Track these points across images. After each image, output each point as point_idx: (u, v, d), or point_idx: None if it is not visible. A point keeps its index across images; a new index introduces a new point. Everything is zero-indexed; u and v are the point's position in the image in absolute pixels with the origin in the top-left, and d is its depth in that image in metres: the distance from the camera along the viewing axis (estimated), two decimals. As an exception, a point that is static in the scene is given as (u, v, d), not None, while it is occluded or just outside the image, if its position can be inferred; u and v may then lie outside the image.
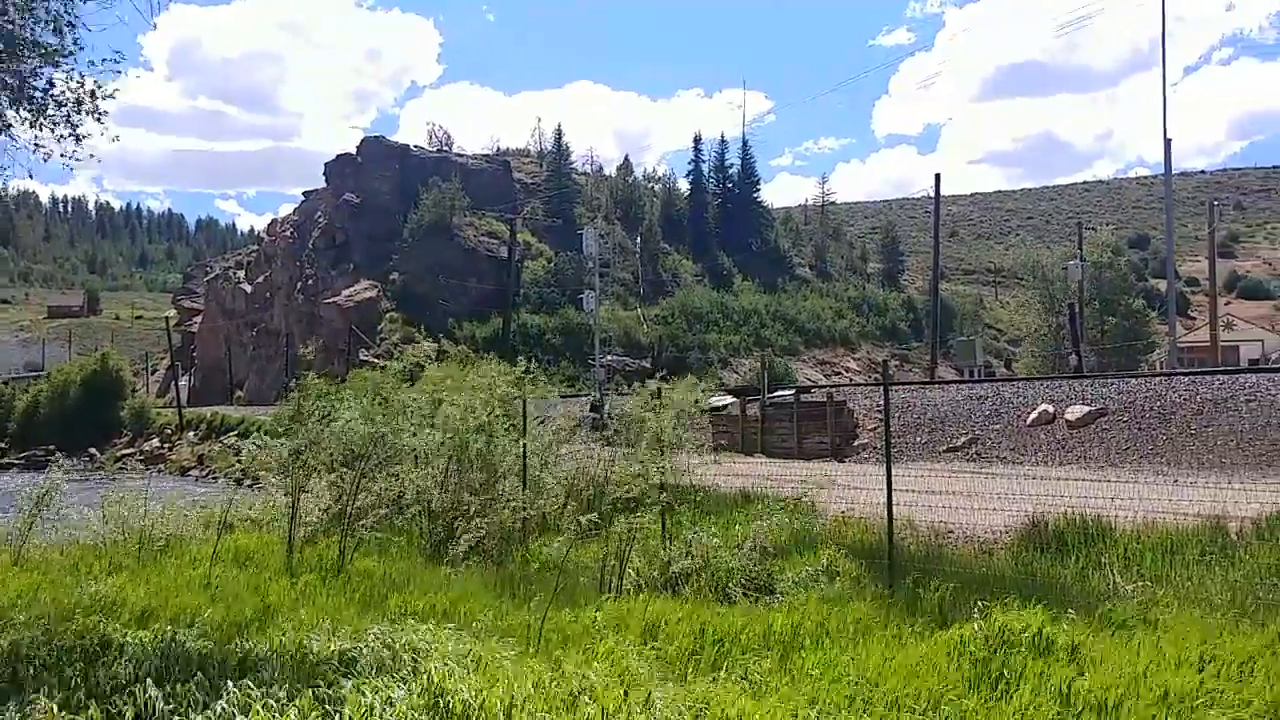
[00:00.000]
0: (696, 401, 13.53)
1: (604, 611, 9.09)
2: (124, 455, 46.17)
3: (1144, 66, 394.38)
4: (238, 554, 12.16)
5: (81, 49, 9.41)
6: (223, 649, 6.89)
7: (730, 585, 10.51)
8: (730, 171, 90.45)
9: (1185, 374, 25.06)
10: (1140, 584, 9.63)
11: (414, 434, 13.84)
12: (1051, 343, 60.05)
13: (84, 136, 9.79)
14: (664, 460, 11.97)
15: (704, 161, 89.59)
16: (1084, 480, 14.61)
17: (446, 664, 6.52)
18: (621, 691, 6.20)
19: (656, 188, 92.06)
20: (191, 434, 49.06)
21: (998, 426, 23.25)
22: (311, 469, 12.94)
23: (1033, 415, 22.85)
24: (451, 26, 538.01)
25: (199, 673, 6.15)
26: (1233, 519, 11.44)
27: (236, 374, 73.27)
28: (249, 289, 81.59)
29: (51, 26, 9.30)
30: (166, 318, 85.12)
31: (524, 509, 13.38)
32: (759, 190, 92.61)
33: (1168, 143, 42.10)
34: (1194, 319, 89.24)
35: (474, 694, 5.88)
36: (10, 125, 9.54)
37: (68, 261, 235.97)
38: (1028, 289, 73.34)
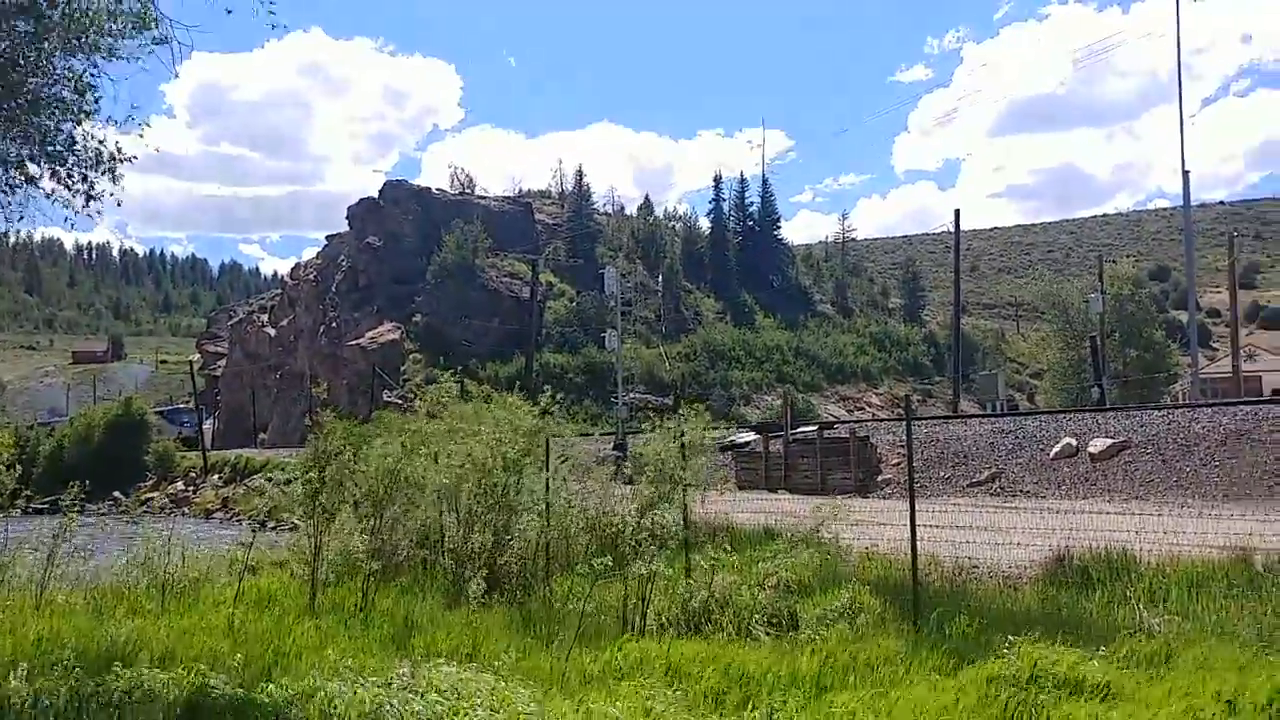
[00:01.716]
0: (705, 430, 13.48)
1: (627, 651, 9.06)
2: (148, 498, 46.34)
3: (1163, 99, 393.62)
4: (260, 596, 12.18)
5: (99, 106, 9.60)
6: (248, 694, 6.89)
7: (753, 623, 10.45)
8: (751, 209, 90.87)
9: (1208, 405, 24.88)
10: (1167, 619, 9.54)
11: (436, 472, 13.86)
12: (1073, 376, 59.76)
13: (97, 196, 9.94)
14: (679, 495, 11.95)
15: (724, 200, 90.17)
16: (1108, 513, 14.50)
17: (473, 705, 6.51)
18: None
19: (678, 226, 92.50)
20: (216, 477, 49.19)
21: (1021, 460, 23.11)
22: (333, 510, 12.96)
23: (1056, 448, 22.71)
24: (472, 70, 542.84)
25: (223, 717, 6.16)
26: (1259, 551, 11.31)
27: (260, 417, 73.57)
28: (273, 332, 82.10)
29: (72, 85, 9.49)
30: (190, 362, 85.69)
31: (546, 547, 13.37)
32: (780, 227, 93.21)
33: (1186, 174, 42.04)
34: (1216, 350, 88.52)
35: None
36: (35, 178, 9.74)
37: (92, 308, 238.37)
38: (1049, 322, 73.12)
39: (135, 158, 10.05)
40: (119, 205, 10.28)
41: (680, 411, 13.28)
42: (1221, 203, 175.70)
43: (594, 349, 62.25)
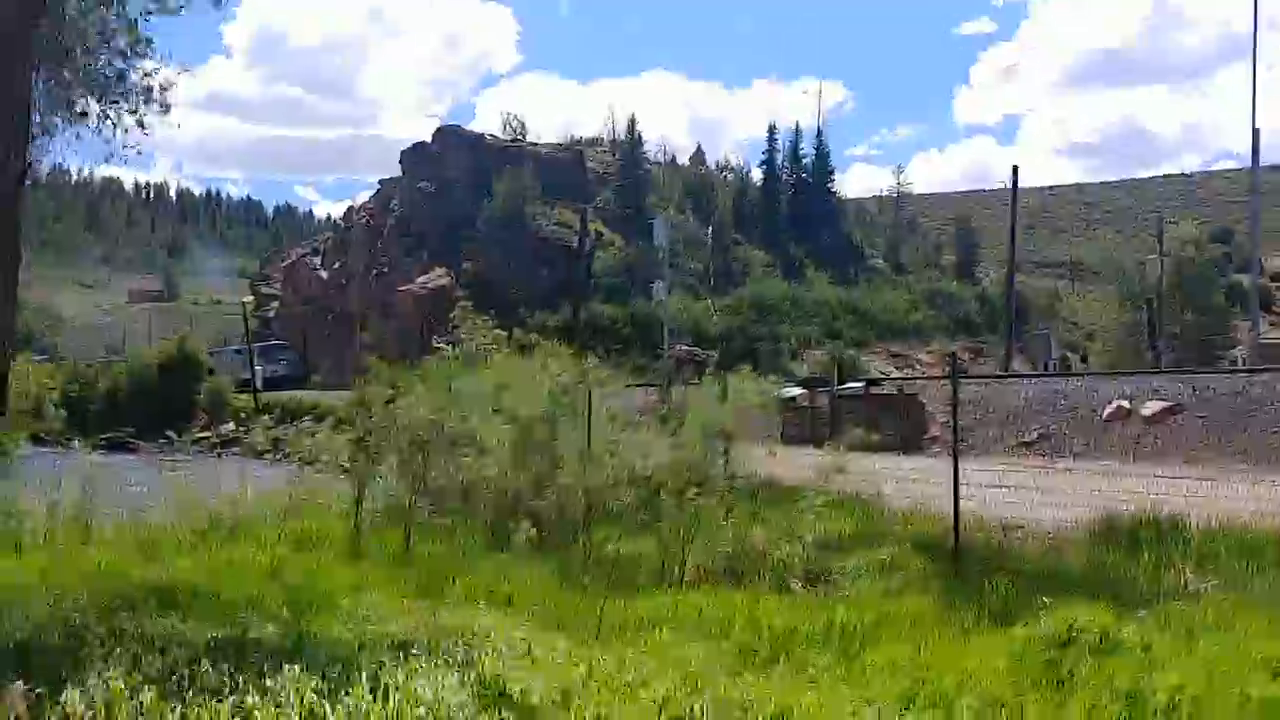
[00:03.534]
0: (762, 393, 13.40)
1: (660, 602, 9.05)
2: (200, 437, 47.04)
3: (1237, 56, 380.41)
4: (304, 538, 12.29)
5: (152, 43, 9.66)
6: (283, 633, 6.95)
7: (791, 577, 10.41)
8: (804, 161, 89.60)
9: (1267, 370, 24.31)
10: (1214, 584, 9.36)
11: (479, 419, 13.89)
12: (1128, 338, 58.83)
13: (147, 128, 10.04)
14: (721, 446, 11.89)
15: (778, 151, 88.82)
16: (1159, 477, 14.26)
17: (501, 651, 6.53)
18: (677, 682, 6.15)
19: (729, 177, 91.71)
20: (266, 417, 49.69)
21: (1071, 421, 22.79)
22: (378, 455, 13.03)
23: (1107, 410, 22.34)
24: (529, 15, 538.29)
25: (257, 655, 6.20)
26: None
27: (312, 358, 74.39)
28: (325, 275, 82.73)
29: (126, 26, 9.56)
30: (243, 302, 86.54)
31: (586, 495, 13.37)
32: (833, 180, 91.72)
33: (1256, 131, 40.86)
34: (1279, 315, 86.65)
35: (528, 681, 5.88)
36: (85, 114, 9.84)
37: (148, 246, 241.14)
38: (1106, 283, 71.94)
39: (174, 87, 10.10)
40: (142, 151, 10.37)
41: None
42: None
43: (642, 300, 62.05)
